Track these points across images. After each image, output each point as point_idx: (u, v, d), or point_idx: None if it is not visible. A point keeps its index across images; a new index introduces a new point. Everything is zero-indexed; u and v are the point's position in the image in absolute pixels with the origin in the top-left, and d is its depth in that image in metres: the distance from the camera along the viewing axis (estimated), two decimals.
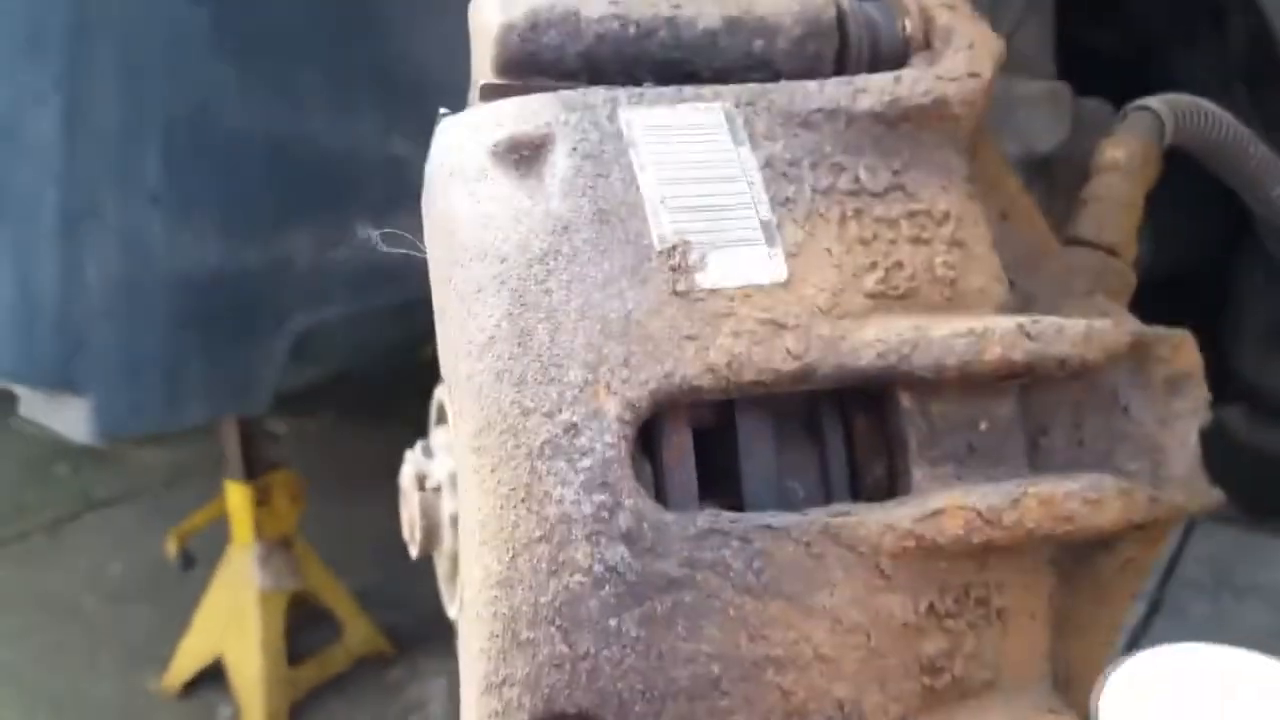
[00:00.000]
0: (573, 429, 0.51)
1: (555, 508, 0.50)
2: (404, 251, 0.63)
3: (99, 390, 1.33)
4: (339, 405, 3.23)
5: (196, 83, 1.39)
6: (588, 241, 0.54)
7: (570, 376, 0.51)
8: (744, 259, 0.54)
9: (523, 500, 0.51)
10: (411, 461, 0.83)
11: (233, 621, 2.35)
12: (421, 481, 0.81)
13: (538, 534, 0.51)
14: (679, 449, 0.54)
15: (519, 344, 0.52)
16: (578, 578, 0.50)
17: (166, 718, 2.31)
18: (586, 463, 0.51)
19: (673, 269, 0.53)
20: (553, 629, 0.50)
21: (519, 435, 0.52)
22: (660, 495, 0.53)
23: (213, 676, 2.35)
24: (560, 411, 0.51)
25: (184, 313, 1.43)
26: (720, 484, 0.55)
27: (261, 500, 2.36)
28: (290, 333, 1.54)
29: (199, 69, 1.39)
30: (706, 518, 0.52)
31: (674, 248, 0.54)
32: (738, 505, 0.54)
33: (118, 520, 2.97)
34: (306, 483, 2.44)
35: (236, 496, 2.35)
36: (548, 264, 0.53)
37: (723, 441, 0.56)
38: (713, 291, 0.53)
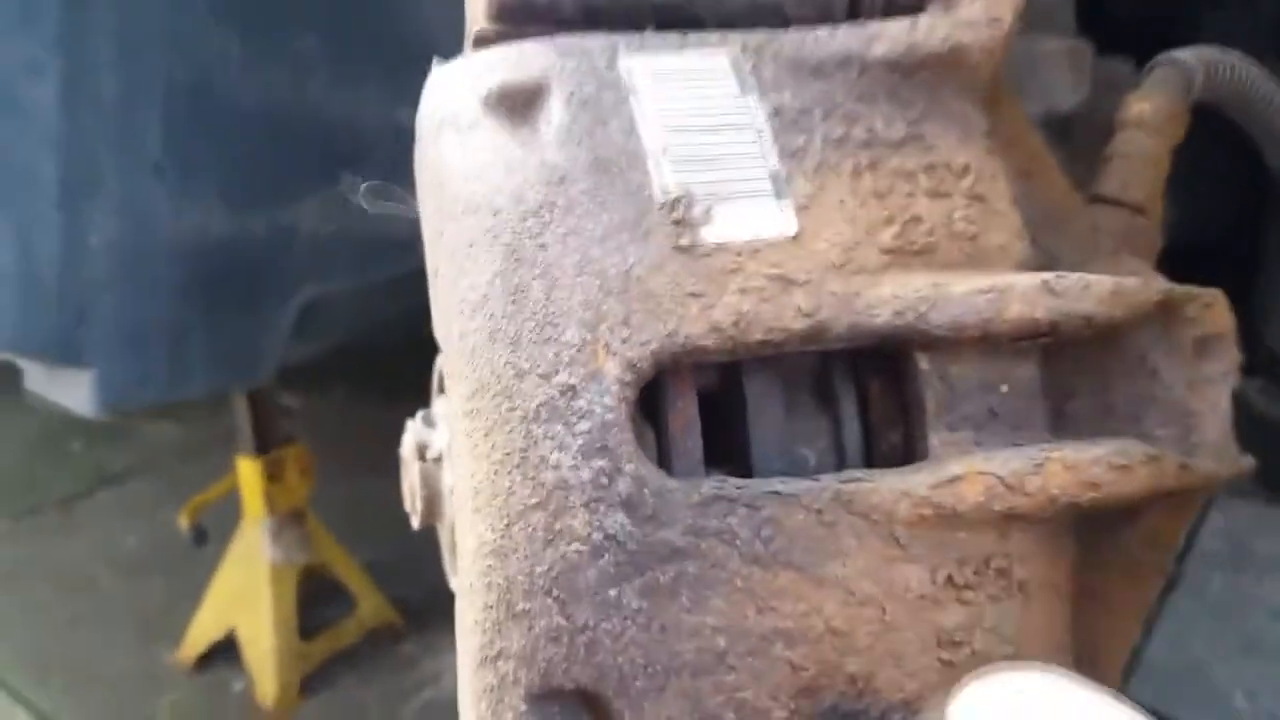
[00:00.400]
0: (570, 391, 0.49)
1: (552, 473, 0.48)
2: (393, 214, 0.61)
3: (102, 362, 1.31)
4: (352, 380, 3.23)
5: (198, 50, 1.37)
6: (585, 193, 0.51)
7: (567, 336, 0.49)
8: (751, 212, 0.52)
9: (517, 466, 0.49)
10: (412, 431, 0.81)
11: (245, 595, 2.35)
12: (422, 451, 0.79)
13: (533, 501, 0.48)
14: (684, 413, 0.51)
15: (513, 302, 0.50)
16: (575, 546, 0.48)
17: (180, 691, 2.31)
18: (585, 426, 0.48)
19: (676, 223, 0.51)
20: (549, 600, 0.48)
21: (513, 398, 0.49)
22: (664, 461, 0.51)
23: (226, 650, 2.36)
24: (557, 373, 0.49)
25: (188, 283, 1.41)
26: (728, 451, 0.53)
27: (273, 475, 2.36)
28: (296, 303, 1.53)
29: (200, 36, 1.37)
30: (712, 484, 0.49)
31: (677, 200, 0.51)
32: (746, 473, 0.52)
33: (131, 495, 2.98)
34: (318, 457, 2.43)
35: (248, 471, 2.35)
36: (543, 217, 0.51)
37: (730, 406, 0.53)
38: (718, 246, 0.51)
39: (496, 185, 0.52)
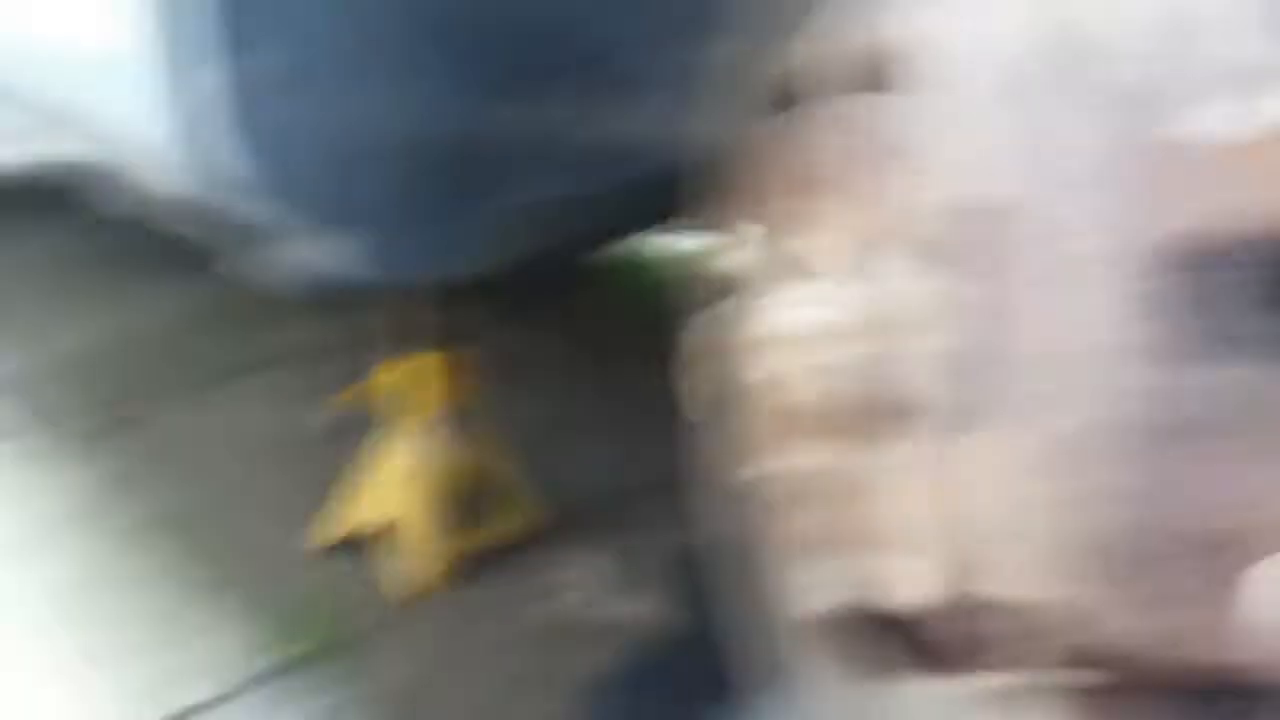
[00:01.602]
0: (1102, 258, 0.47)
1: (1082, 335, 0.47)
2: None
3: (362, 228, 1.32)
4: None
5: None
6: None
7: (1106, 203, 0.47)
8: None
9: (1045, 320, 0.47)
10: (712, 328, 0.78)
11: (386, 488, 2.40)
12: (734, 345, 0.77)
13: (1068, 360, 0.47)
14: (1234, 293, 0.49)
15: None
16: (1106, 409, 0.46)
17: (320, 576, 2.37)
18: (1112, 294, 0.47)
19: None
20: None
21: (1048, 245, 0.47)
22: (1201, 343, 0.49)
23: (359, 542, 2.41)
24: (1090, 234, 0.47)
25: (413, 168, 1.41)
26: None
27: (440, 372, 2.39)
28: (513, 203, 1.53)
29: None
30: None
31: None
32: None
33: (268, 386, 3.04)
34: (480, 360, 2.46)
35: (420, 365, 2.38)
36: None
37: None
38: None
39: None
